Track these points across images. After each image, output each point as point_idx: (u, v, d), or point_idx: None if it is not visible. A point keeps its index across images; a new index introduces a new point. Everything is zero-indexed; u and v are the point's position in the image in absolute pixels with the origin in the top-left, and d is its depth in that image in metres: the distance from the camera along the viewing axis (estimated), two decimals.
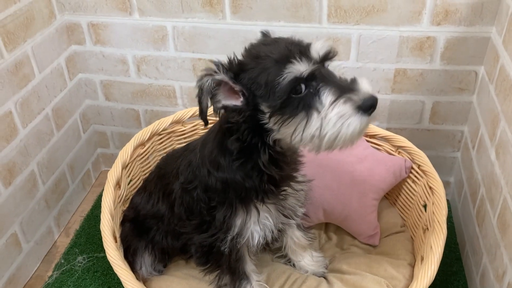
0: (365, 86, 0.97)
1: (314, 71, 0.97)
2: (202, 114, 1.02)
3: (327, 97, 0.96)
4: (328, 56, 1.01)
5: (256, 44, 1.07)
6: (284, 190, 1.23)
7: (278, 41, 1.04)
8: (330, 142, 0.97)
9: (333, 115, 0.94)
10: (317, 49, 0.99)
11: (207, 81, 0.98)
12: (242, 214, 1.19)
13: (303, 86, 0.97)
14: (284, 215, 1.29)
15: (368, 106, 0.94)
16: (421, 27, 1.63)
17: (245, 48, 1.07)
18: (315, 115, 0.96)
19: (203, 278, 1.40)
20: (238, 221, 1.19)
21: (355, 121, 0.94)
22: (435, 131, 1.86)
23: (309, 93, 0.97)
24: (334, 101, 0.95)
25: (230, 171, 1.14)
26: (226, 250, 1.22)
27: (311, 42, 1.01)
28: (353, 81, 0.98)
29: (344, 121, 0.94)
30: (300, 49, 0.98)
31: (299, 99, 0.97)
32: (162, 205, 1.40)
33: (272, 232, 1.25)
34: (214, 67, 0.99)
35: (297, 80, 0.96)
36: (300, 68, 0.95)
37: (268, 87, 0.97)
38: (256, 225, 1.21)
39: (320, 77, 0.97)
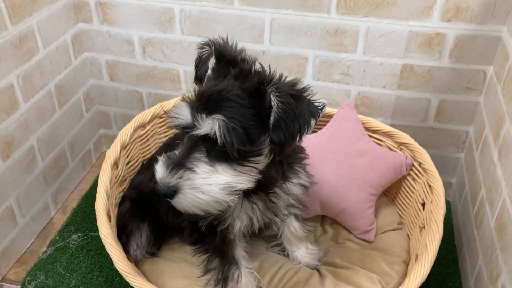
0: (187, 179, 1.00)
1: (188, 130, 1.03)
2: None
3: (177, 151, 1.05)
4: (204, 138, 1.01)
5: (228, 72, 1.08)
6: (273, 192, 1.21)
7: (222, 84, 1.04)
8: None
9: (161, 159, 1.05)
10: (203, 127, 0.99)
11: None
12: None
13: None
14: (272, 211, 1.27)
15: (157, 189, 1.02)
16: (431, 23, 1.60)
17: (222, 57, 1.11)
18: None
19: (195, 263, 1.40)
20: None
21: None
22: (440, 130, 1.83)
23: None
24: (169, 160, 1.03)
25: None
26: (203, 228, 1.23)
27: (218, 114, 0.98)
28: (189, 169, 1.01)
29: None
30: (206, 106, 1.00)
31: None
32: None
33: (259, 222, 1.24)
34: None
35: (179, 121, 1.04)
36: (186, 119, 1.02)
37: None
38: (240, 213, 1.20)
39: (188, 137, 1.04)
